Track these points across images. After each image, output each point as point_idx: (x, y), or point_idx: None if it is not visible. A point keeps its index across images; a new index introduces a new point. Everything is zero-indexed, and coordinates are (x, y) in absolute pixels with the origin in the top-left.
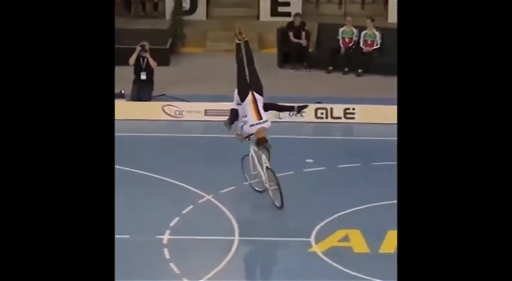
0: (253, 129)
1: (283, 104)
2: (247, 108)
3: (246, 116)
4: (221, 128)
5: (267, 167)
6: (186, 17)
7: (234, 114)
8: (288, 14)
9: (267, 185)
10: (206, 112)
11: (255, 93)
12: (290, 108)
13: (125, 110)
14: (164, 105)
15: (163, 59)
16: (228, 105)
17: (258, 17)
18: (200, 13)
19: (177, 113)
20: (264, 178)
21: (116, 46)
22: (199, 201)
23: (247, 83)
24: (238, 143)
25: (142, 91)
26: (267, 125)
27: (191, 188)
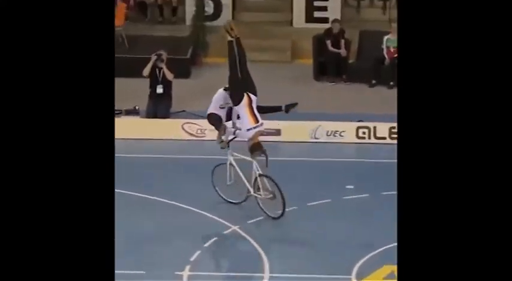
0: (250, 134)
1: (268, 105)
2: (242, 111)
3: (229, 120)
4: None
5: (260, 175)
6: (209, 23)
7: (217, 119)
8: (325, 20)
9: (257, 194)
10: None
11: (250, 95)
12: (277, 109)
13: (139, 128)
14: (184, 123)
15: (183, 71)
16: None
17: (291, 23)
18: (225, 18)
19: (198, 131)
20: (250, 188)
21: (129, 56)
22: (224, 232)
23: (242, 84)
24: (269, 167)
25: (159, 107)
26: (263, 128)
27: (215, 218)
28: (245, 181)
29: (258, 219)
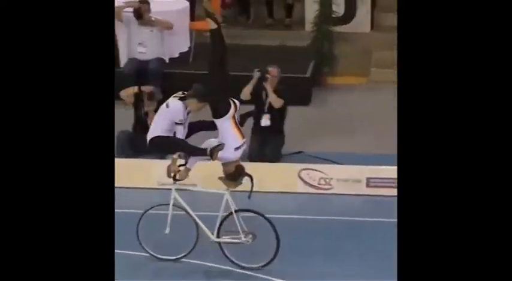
0: (238, 154)
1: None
2: (227, 125)
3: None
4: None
5: (237, 210)
6: (338, 28)
7: (178, 142)
8: None
9: (226, 239)
10: (369, 182)
11: (236, 101)
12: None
13: None
14: (301, 170)
15: (301, 95)
16: None
17: None
18: (361, 22)
19: (322, 182)
20: (208, 232)
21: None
22: None
23: (227, 88)
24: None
25: (266, 146)
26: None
27: None
28: (200, 223)
29: None
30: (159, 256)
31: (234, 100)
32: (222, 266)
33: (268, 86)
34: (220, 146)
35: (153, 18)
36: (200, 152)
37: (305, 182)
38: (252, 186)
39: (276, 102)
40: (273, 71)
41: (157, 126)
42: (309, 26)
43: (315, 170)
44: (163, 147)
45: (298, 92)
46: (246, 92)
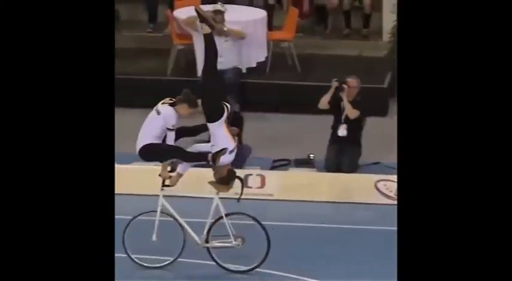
0: (232, 157)
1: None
2: (221, 129)
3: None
4: None
5: (227, 214)
6: None
7: (169, 149)
8: None
9: (214, 244)
10: None
11: (228, 105)
12: (205, 128)
13: (315, 185)
14: (378, 181)
15: (378, 106)
16: None
17: None
18: None
19: None
20: (195, 237)
21: (301, 83)
22: None
23: (221, 92)
24: None
25: (343, 156)
26: None
27: None
28: (188, 229)
29: None
30: (145, 264)
31: (226, 104)
32: (210, 270)
33: (345, 97)
34: (223, 151)
35: (225, 28)
36: (198, 158)
37: (382, 193)
38: (242, 189)
39: (352, 113)
40: (352, 81)
41: (148, 134)
42: (386, 36)
43: (392, 181)
44: (156, 155)
45: (375, 102)
46: (324, 102)
